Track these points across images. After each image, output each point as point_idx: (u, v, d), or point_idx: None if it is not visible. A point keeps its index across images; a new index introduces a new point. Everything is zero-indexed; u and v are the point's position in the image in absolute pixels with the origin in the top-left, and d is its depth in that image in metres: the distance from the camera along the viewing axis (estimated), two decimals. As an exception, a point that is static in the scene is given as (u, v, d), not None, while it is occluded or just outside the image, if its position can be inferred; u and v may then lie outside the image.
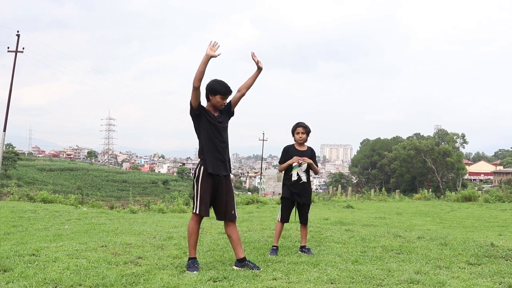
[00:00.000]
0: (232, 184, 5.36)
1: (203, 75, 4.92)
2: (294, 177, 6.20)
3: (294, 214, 6.38)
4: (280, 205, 6.42)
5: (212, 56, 4.92)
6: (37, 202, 15.71)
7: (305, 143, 6.35)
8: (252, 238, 7.29)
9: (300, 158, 6.15)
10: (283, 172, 6.39)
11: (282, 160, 6.35)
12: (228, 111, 5.30)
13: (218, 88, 5.08)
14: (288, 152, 6.30)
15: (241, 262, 5.11)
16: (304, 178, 6.21)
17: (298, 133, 6.24)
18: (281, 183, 6.61)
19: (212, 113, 5.14)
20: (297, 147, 6.31)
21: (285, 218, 6.25)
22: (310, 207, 6.47)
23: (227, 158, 5.27)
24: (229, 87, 5.13)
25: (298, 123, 6.28)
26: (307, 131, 6.27)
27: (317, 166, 6.37)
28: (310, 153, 6.31)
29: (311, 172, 6.43)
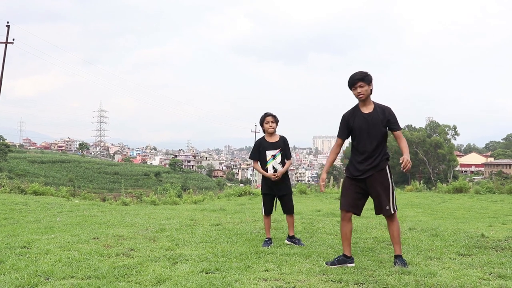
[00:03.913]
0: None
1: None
2: (270, 171, 6.18)
3: (274, 206, 6.38)
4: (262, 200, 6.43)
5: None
6: (29, 195, 15.64)
7: (276, 133, 6.34)
8: (244, 229, 7.30)
9: (273, 175, 6.12)
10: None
11: (253, 154, 6.37)
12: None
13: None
14: (261, 145, 6.28)
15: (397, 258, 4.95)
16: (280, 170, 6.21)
17: (267, 122, 6.19)
18: None
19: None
20: (268, 139, 6.28)
21: (268, 212, 6.29)
22: (299, 197, 6.46)
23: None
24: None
25: (266, 113, 6.25)
26: (276, 120, 6.24)
27: (290, 154, 6.36)
28: (283, 143, 6.28)
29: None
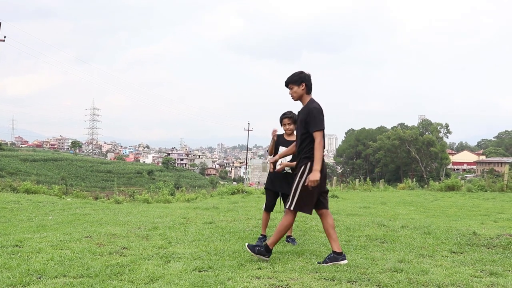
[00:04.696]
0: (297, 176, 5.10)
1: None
2: (278, 165, 6.17)
3: (279, 204, 6.39)
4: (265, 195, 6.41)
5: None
6: (20, 193, 15.55)
7: (295, 133, 6.29)
8: (237, 228, 7.30)
9: (277, 166, 6.07)
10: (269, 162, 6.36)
11: (271, 147, 6.32)
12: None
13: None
14: (277, 141, 6.22)
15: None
16: (288, 169, 6.17)
17: (284, 124, 6.14)
18: (266, 173, 6.56)
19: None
20: (286, 137, 6.22)
21: (269, 208, 6.24)
22: None
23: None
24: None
25: (285, 113, 6.16)
26: (293, 120, 6.16)
27: None
28: None
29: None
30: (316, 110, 4.97)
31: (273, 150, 6.25)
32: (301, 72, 5.14)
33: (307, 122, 4.96)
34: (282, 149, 6.16)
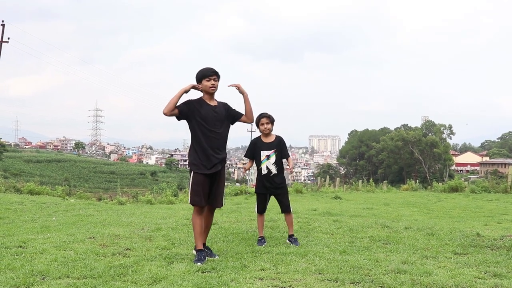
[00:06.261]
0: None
1: (174, 106, 5.13)
2: (264, 171, 6.17)
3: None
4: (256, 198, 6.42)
5: (186, 91, 5.19)
6: (24, 194, 15.59)
7: (272, 133, 6.33)
8: (240, 229, 7.30)
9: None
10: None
11: (248, 153, 6.37)
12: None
13: (200, 74, 5.25)
14: (256, 145, 6.28)
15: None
16: (274, 170, 6.17)
17: (262, 124, 6.19)
18: None
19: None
20: (264, 139, 6.28)
21: (262, 210, 6.30)
22: (295, 196, 6.44)
23: None
24: (211, 69, 5.27)
25: (261, 114, 6.24)
26: (271, 120, 6.24)
27: (287, 153, 6.38)
28: (279, 143, 6.25)
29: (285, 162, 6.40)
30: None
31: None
32: None
33: (232, 113, 5.41)
34: (263, 153, 6.21)
